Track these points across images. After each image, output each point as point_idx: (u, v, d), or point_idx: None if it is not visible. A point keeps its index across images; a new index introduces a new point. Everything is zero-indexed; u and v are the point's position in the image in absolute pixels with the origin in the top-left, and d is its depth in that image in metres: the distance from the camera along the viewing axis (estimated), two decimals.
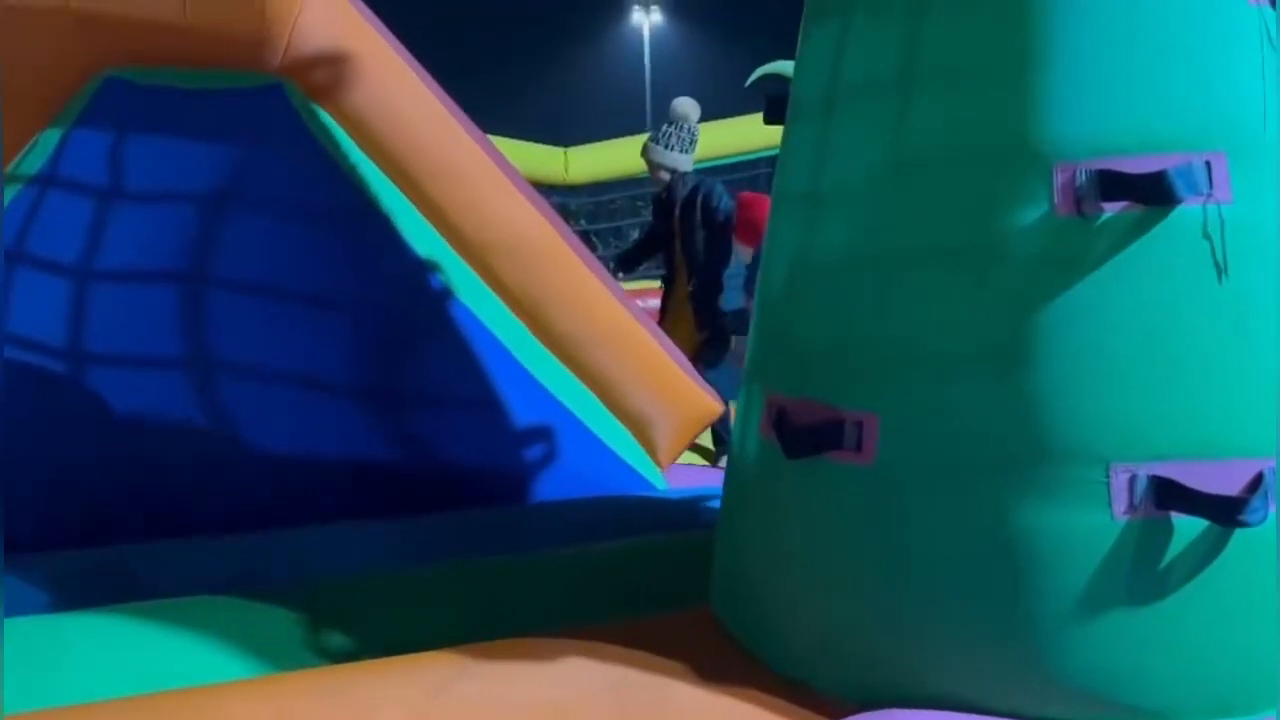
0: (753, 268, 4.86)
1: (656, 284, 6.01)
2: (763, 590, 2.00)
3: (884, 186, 1.80)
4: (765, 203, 4.66)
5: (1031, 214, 1.67)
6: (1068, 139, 1.66)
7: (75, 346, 3.13)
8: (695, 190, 5.24)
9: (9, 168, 3.17)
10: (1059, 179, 1.66)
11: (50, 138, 3.13)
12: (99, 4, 3.09)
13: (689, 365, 4.04)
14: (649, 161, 5.34)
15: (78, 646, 2.08)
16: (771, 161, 8.58)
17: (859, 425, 1.80)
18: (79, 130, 3.12)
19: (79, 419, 3.15)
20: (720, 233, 5.14)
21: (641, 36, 30.91)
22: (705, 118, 8.69)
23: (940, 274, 1.72)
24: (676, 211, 5.25)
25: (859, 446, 1.80)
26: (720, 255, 5.16)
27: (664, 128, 5.34)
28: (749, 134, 8.26)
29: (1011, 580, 1.69)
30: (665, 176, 5.30)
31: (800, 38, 2.17)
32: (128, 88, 3.14)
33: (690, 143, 5.29)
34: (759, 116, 7.61)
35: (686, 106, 5.31)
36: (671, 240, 5.39)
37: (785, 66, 8.70)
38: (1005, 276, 1.68)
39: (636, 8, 31.30)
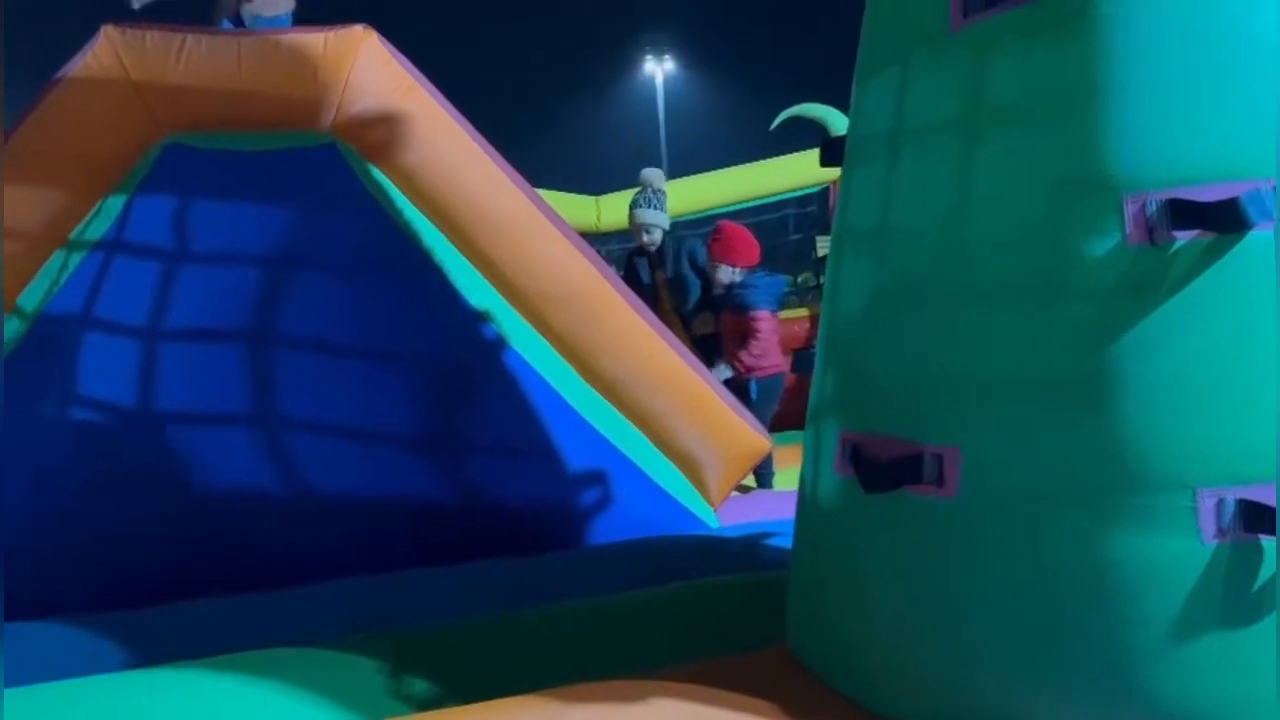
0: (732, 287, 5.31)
1: None
2: (846, 626, 2.01)
3: (954, 223, 1.84)
4: (734, 228, 5.44)
5: (1104, 245, 1.70)
6: (1137, 170, 1.69)
7: (145, 406, 3.20)
8: (680, 247, 5.97)
9: (74, 234, 3.25)
10: (1130, 209, 1.69)
11: (115, 203, 3.22)
12: (158, 73, 3.20)
13: (736, 403, 4.07)
14: (642, 224, 5.86)
15: (167, 700, 2.11)
16: (798, 202, 8.65)
17: (939, 458, 1.82)
18: (143, 195, 3.21)
19: (150, 477, 3.21)
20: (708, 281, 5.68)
21: (655, 85, 31.43)
22: (724, 162, 8.85)
23: (1015, 307, 1.74)
24: (668, 265, 5.84)
25: (940, 480, 1.82)
26: (709, 299, 5.67)
27: (644, 192, 5.93)
28: (773, 176, 8.35)
29: (1102, 610, 1.69)
30: (655, 236, 5.85)
31: (856, 81, 2.23)
32: (188, 152, 3.24)
33: (664, 202, 5.93)
34: (782, 159, 7.73)
35: (655, 174, 6.05)
36: (659, 293, 5.85)
37: (810, 109, 8.84)
38: (1081, 307, 1.70)
39: (649, 58, 31.80)
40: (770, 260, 9.55)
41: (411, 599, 2.81)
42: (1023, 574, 1.75)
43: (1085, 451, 1.70)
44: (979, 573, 1.79)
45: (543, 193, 6.87)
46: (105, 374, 3.19)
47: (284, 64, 3.22)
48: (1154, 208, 1.67)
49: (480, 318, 3.54)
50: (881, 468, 1.88)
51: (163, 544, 3.13)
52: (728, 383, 4.86)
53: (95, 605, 2.86)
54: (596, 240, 7.96)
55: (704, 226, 9.06)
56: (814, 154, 7.74)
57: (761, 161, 8.69)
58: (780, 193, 8.68)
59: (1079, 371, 1.71)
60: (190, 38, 3.22)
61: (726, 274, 5.31)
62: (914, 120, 1.97)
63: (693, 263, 5.80)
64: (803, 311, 8.17)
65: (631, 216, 5.95)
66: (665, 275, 5.85)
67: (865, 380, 2.01)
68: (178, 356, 3.24)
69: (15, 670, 2.17)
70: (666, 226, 5.92)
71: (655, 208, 5.82)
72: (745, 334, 5.19)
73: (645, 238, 5.86)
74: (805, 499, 2.26)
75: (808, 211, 8.77)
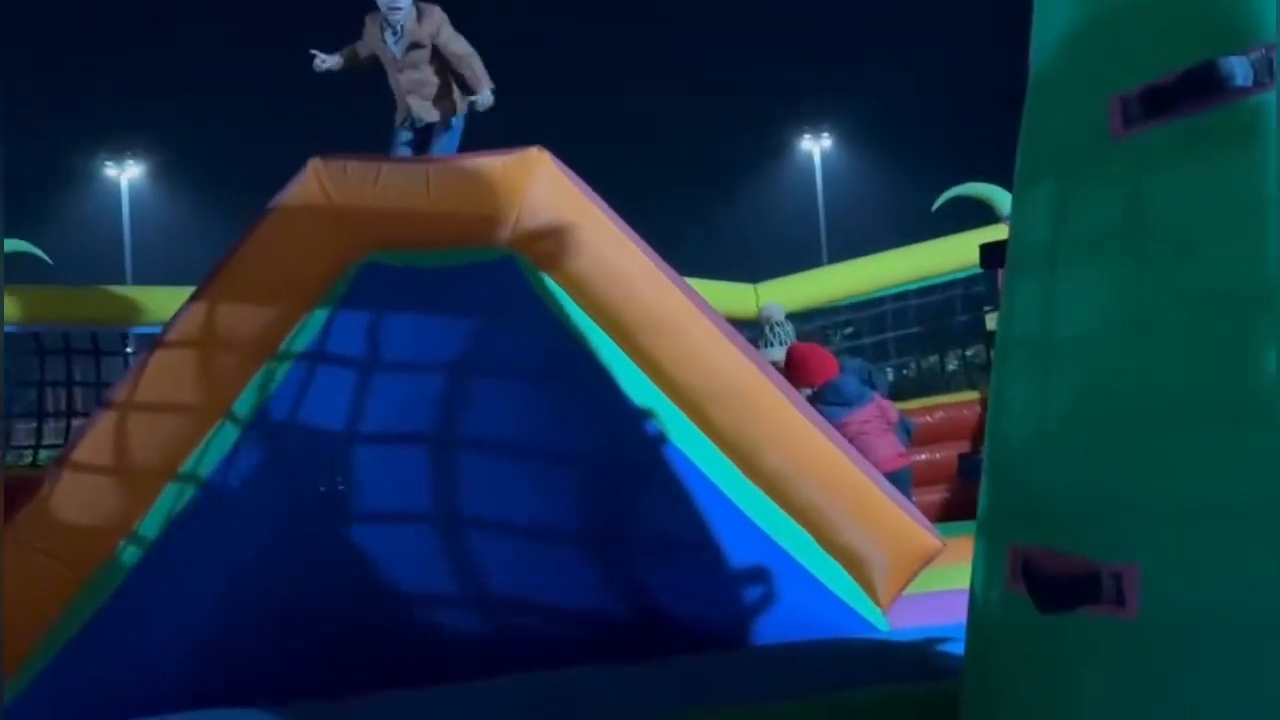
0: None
1: None
2: None
3: (1125, 338, 1.81)
4: (798, 351, 5.52)
5: None
6: None
7: (341, 506, 3.46)
8: None
9: (283, 345, 3.59)
10: None
11: (318, 318, 3.55)
12: (357, 198, 3.53)
13: (904, 500, 4.00)
14: (775, 364, 5.88)
15: None
16: (965, 283, 8.47)
17: (1118, 577, 1.76)
18: (343, 310, 3.53)
19: (340, 571, 3.45)
20: None
21: (813, 164, 31.33)
22: (886, 242, 8.79)
23: (1198, 428, 1.69)
24: None
25: (1120, 600, 1.76)
26: None
27: (770, 331, 6.00)
28: (939, 257, 8.21)
29: None
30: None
31: (1016, 188, 2.24)
32: (383, 270, 3.54)
33: (788, 334, 6.17)
34: (948, 240, 7.65)
35: (775, 309, 6.35)
36: None
37: (975, 189, 8.71)
38: (1269, 425, 1.64)
39: (806, 136, 31.69)
40: (937, 341, 9.35)
41: (579, 699, 2.88)
42: (1212, 704, 1.66)
43: None
44: (1162, 698, 1.71)
45: (701, 281, 7.06)
46: (304, 475, 3.48)
47: (468, 186, 3.51)
48: None
49: (643, 415, 3.66)
50: (1057, 586, 1.84)
51: (346, 634, 3.34)
52: None
53: (282, 689, 3.07)
54: (754, 328, 8.04)
55: (868, 309, 8.98)
56: (980, 234, 7.66)
57: (926, 242, 8.57)
58: (946, 274, 8.50)
59: (1271, 491, 1.63)
60: (385, 166, 3.56)
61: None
62: (1075, 231, 1.96)
63: None
64: (972, 394, 7.91)
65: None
66: None
67: (1035, 494, 1.98)
68: (368, 459, 3.50)
69: None
70: None
71: (776, 343, 5.95)
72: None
73: None
74: (976, 612, 2.21)
75: (975, 292, 8.54)
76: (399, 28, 4.26)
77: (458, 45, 4.31)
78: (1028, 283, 2.12)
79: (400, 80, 4.39)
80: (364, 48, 4.41)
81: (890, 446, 5.41)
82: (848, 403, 5.34)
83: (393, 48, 4.31)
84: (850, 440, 5.01)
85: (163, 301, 6.05)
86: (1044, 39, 2.13)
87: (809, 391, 5.29)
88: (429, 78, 4.36)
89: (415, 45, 4.30)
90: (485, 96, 4.35)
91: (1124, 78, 1.85)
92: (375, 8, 4.28)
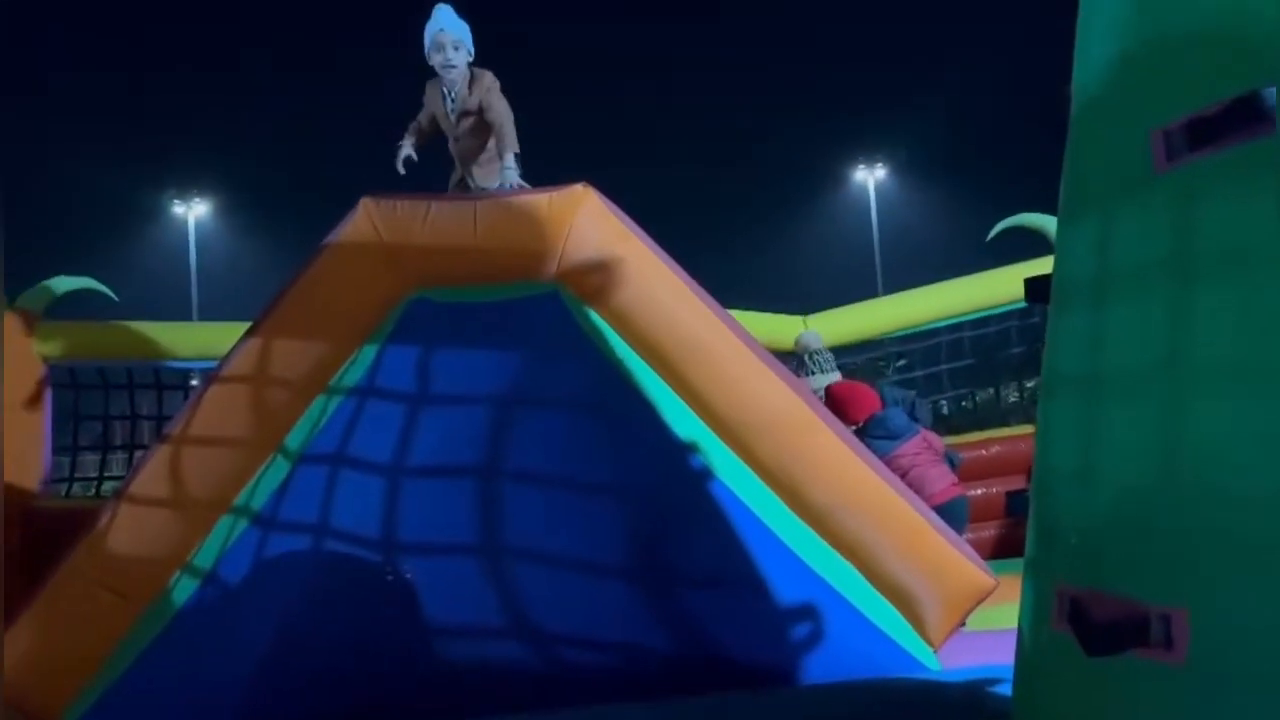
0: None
1: None
2: None
3: (1174, 372, 1.77)
4: (845, 387, 5.51)
5: None
6: None
7: (388, 538, 3.50)
8: None
9: (333, 380, 3.65)
10: None
11: (368, 353, 3.61)
12: (406, 236, 3.60)
13: (956, 537, 3.92)
14: (817, 392, 5.79)
15: None
16: (1020, 314, 8.31)
17: (1166, 620, 1.71)
18: (392, 345, 3.59)
19: (386, 603, 3.48)
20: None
21: (867, 194, 31.13)
22: (942, 275, 8.65)
23: (1248, 463, 1.64)
24: None
25: (1168, 643, 1.71)
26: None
27: (810, 359, 5.94)
28: (994, 288, 8.08)
29: None
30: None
31: (1059, 223, 2.21)
32: (430, 305, 3.60)
33: (828, 361, 6.09)
34: (1003, 270, 7.51)
35: (813, 337, 6.24)
36: None
37: (1030, 219, 8.59)
38: None
39: (860, 166, 31.51)
40: (994, 374, 9.18)
41: None
42: None
43: None
44: None
45: (749, 314, 7.04)
46: (355, 509, 3.53)
47: (514, 222, 3.56)
48: None
49: (687, 449, 3.65)
50: (1105, 628, 1.79)
51: (394, 665, 3.37)
52: None
53: None
54: (798, 359, 7.98)
55: (922, 341, 8.85)
56: (1035, 265, 7.50)
57: (980, 273, 8.44)
58: (1001, 305, 8.36)
59: None
60: (434, 204, 3.62)
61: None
62: (1120, 264, 1.92)
63: None
64: (1028, 429, 7.76)
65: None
66: None
67: (1081, 533, 1.93)
68: (415, 491, 3.54)
69: None
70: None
71: (817, 370, 5.87)
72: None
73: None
74: (1023, 653, 2.16)
75: (1031, 323, 8.38)
76: (454, 94, 4.20)
77: (496, 109, 4.16)
78: (1072, 316, 2.08)
79: (455, 149, 4.30)
80: (426, 117, 4.30)
81: (944, 477, 5.30)
82: (895, 435, 5.26)
83: (450, 114, 4.23)
84: (903, 474, 4.94)
85: (222, 336, 6.21)
86: (1084, 74, 2.12)
87: (854, 428, 5.21)
88: (481, 145, 4.25)
89: (466, 113, 4.23)
90: (507, 162, 4.04)
91: (1165, 110, 1.83)
92: (435, 72, 4.21)
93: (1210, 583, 1.68)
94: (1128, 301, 1.89)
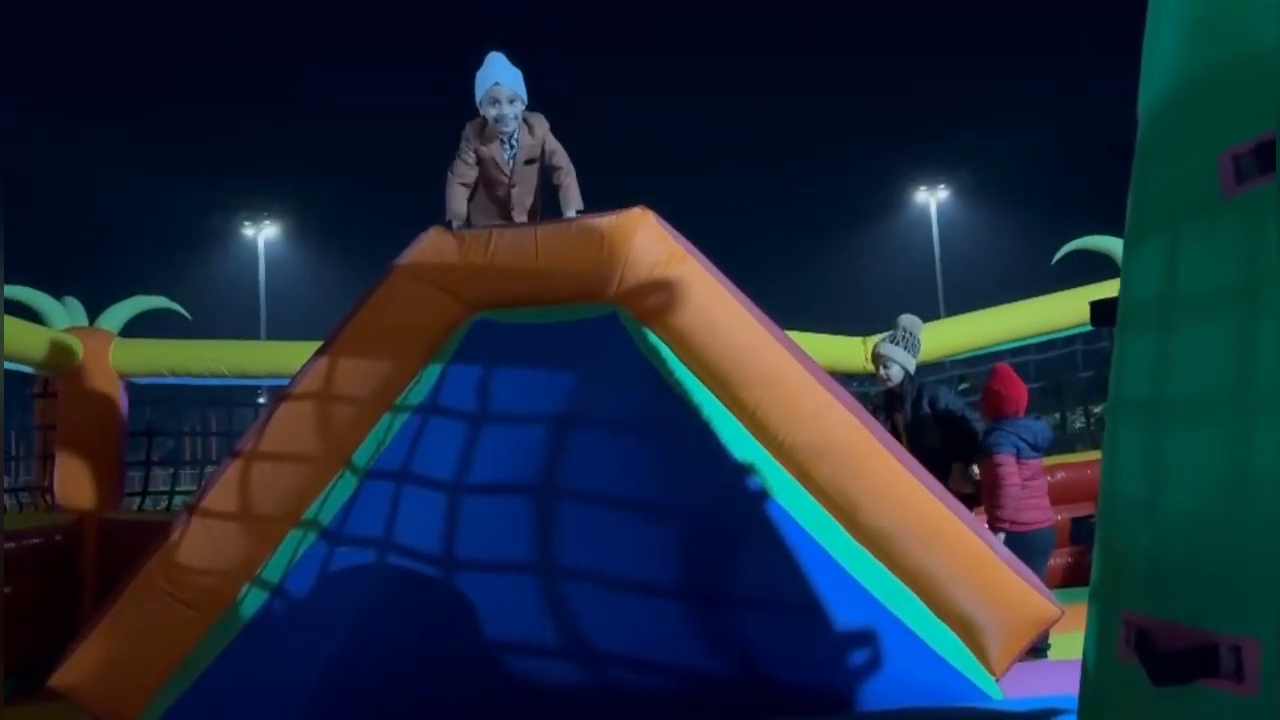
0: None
1: None
2: None
3: (1243, 398, 1.74)
4: (1016, 378, 5.18)
5: None
6: None
7: (449, 554, 3.55)
8: (922, 391, 5.62)
9: (399, 399, 3.73)
10: None
11: (432, 373, 3.69)
12: (471, 260, 3.67)
13: (1019, 564, 3.85)
14: (883, 356, 5.61)
15: None
16: (1086, 338, 8.15)
17: (1237, 650, 1.67)
18: (455, 366, 3.66)
19: (446, 618, 3.53)
20: (952, 427, 5.40)
21: (929, 216, 30.86)
22: (1004, 296, 8.50)
23: None
24: (907, 408, 5.55)
25: (1239, 675, 1.67)
26: (955, 446, 5.37)
27: (895, 333, 5.67)
28: (1060, 312, 7.95)
29: None
30: (895, 374, 5.56)
31: (1125, 246, 2.18)
32: (492, 327, 3.66)
33: (916, 348, 5.65)
34: (1069, 293, 7.34)
35: (911, 320, 5.77)
36: (897, 436, 5.50)
37: (1096, 242, 8.43)
38: None
39: (922, 188, 31.27)
40: (1060, 398, 9.00)
41: None
42: None
43: None
44: None
45: (808, 334, 7.01)
46: (419, 525, 3.59)
47: (574, 246, 3.61)
48: None
49: (744, 470, 3.65)
50: (1172, 658, 1.75)
51: (455, 681, 3.41)
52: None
53: None
54: (868, 381, 7.91)
55: (985, 364, 8.72)
56: (1102, 287, 7.33)
57: (1045, 296, 8.31)
58: (1067, 329, 8.22)
59: None
60: (497, 231, 3.70)
61: (946, 398, 5.23)
62: (1188, 289, 1.90)
63: (933, 406, 5.50)
64: (1095, 454, 7.59)
65: (874, 348, 5.78)
66: (905, 419, 5.57)
67: (1149, 560, 1.90)
68: (475, 508, 3.59)
69: None
70: (910, 368, 5.59)
71: (899, 344, 5.57)
72: (994, 484, 4.86)
73: (883, 371, 5.59)
74: (1088, 683, 2.12)
75: (1099, 347, 8.22)
76: (513, 140, 4.06)
77: (561, 157, 4.07)
78: (1139, 341, 2.06)
79: (512, 194, 4.13)
80: (468, 165, 4.05)
81: (1047, 503, 5.08)
82: (1039, 448, 5.01)
83: (507, 162, 4.07)
84: (1008, 486, 4.81)
85: (292, 355, 6.36)
86: (1150, 96, 2.10)
87: (1006, 421, 4.97)
88: (534, 189, 4.15)
89: (529, 160, 4.09)
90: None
91: (1233, 133, 1.81)
92: (474, 114, 4.05)
93: None
94: (1195, 326, 1.87)
